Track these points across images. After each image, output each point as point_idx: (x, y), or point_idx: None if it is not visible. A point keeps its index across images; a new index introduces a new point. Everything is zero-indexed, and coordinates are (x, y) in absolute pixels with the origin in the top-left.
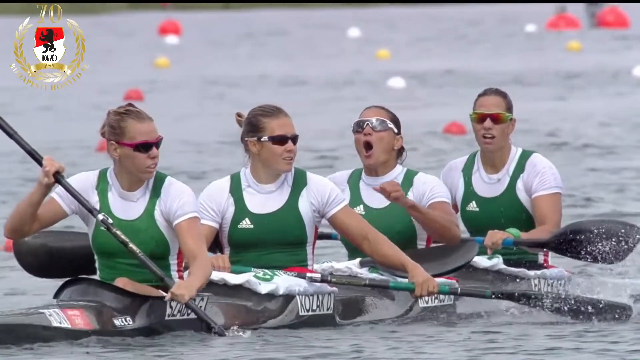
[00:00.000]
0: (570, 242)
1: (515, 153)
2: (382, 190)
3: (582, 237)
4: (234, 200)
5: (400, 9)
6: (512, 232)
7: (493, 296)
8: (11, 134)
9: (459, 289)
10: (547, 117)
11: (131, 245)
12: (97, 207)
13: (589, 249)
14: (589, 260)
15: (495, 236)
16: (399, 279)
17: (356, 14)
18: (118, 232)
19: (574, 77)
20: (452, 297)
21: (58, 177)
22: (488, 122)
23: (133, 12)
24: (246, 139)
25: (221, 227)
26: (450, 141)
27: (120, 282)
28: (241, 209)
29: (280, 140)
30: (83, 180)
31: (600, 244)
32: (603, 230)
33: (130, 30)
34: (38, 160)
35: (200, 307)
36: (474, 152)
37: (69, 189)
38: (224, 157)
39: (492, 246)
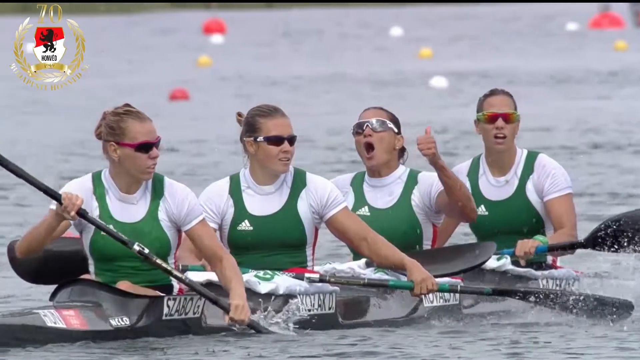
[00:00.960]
0: (606, 237)
1: (521, 154)
2: (417, 145)
3: (617, 229)
4: (234, 201)
5: (442, 8)
6: (540, 239)
7: (493, 293)
8: (20, 174)
9: (459, 286)
10: (591, 116)
11: (176, 273)
12: (97, 212)
13: (619, 240)
14: (627, 251)
15: (526, 245)
16: (402, 277)
17: (399, 13)
18: (159, 261)
19: (617, 76)
20: (457, 297)
21: (81, 212)
22: (500, 122)
23: (177, 11)
24: (244, 139)
25: (221, 228)
26: None
27: (123, 285)
28: (240, 211)
29: (276, 140)
30: (79, 188)
31: (628, 233)
32: (629, 220)
33: (175, 29)
34: (55, 197)
35: (199, 306)
36: (478, 156)
37: (94, 222)
38: None
39: (525, 256)
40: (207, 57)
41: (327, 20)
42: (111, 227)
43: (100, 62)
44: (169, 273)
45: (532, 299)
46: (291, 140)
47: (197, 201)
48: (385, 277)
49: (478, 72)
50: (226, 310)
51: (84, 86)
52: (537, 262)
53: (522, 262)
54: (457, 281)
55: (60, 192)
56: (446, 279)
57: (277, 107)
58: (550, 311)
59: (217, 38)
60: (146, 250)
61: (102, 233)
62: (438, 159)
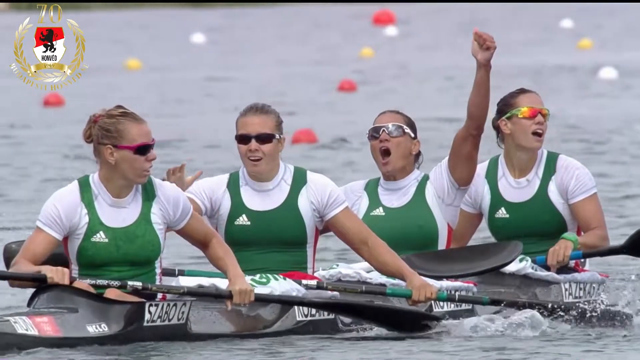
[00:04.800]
0: None
1: (541, 154)
2: (478, 37)
3: None
4: (231, 195)
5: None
6: (569, 237)
7: (491, 303)
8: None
9: (456, 295)
10: None
11: (171, 287)
12: (86, 220)
13: None
14: None
15: (559, 254)
16: (403, 283)
17: (571, 5)
18: (155, 287)
19: None
20: (473, 303)
21: (72, 280)
22: (540, 117)
23: (342, 3)
24: None
25: (217, 224)
26: None
27: (111, 293)
28: (238, 205)
29: (241, 139)
30: (67, 200)
31: None
32: None
33: (341, 19)
34: (42, 279)
35: (183, 312)
36: (495, 157)
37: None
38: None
39: (558, 265)
40: (370, 48)
41: (497, 12)
42: (101, 233)
43: (267, 54)
44: (168, 291)
45: (529, 310)
46: (261, 138)
47: (186, 197)
48: (384, 281)
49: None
50: (229, 297)
51: (249, 77)
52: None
53: (553, 270)
54: (457, 285)
55: (44, 210)
56: (458, 283)
57: (256, 105)
58: (549, 321)
59: (391, 30)
60: (140, 285)
61: (92, 240)
62: (490, 61)
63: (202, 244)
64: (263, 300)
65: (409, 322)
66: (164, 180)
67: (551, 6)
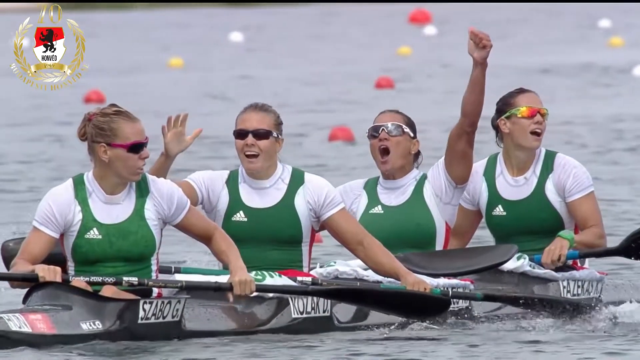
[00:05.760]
0: None
1: (539, 153)
2: (474, 36)
3: None
4: (229, 191)
5: None
6: (565, 236)
7: (484, 299)
8: None
9: (450, 292)
10: None
11: (167, 281)
12: (80, 217)
13: None
14: None
15: (554, 253)
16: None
17: (610, 5)
18: (151, 283)
19: None
20: (467, 299)
21: (64, 279)
22: (539, 117)
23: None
24: None
25: (215, 220)
26: None
27: (107, 291)
28: (236, 201)
29: (239, 134)
30: (61, 198)
31: None
32: None
33: (377, 18)
34: (32, 278)
35: (177, 310)
36: (494, 155)
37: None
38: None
39: (553, 265)
40: (408, 46)
41: (528, 11)
42: (95, 230)
43: (305, 52)
44: (165, 286)
45: (524, 305)
46: (258, 134)
47: (181, 191)
48: (381, 278)
49: None
50: (230, 290)
51: (287, 75)
52: None
53: (548, 268)
54: (454, 283)
55: (39, 210)
56: (455, 281)
57: (257, 104)
58: (544, 316)
59: (429, 29)
60: (135, 280)
61: (86, 236)
62: (486, 59)
63: (204, 238)
64: (264, 290)
65: (418, 306)
66: (162, 129)
67: (590, 6)
